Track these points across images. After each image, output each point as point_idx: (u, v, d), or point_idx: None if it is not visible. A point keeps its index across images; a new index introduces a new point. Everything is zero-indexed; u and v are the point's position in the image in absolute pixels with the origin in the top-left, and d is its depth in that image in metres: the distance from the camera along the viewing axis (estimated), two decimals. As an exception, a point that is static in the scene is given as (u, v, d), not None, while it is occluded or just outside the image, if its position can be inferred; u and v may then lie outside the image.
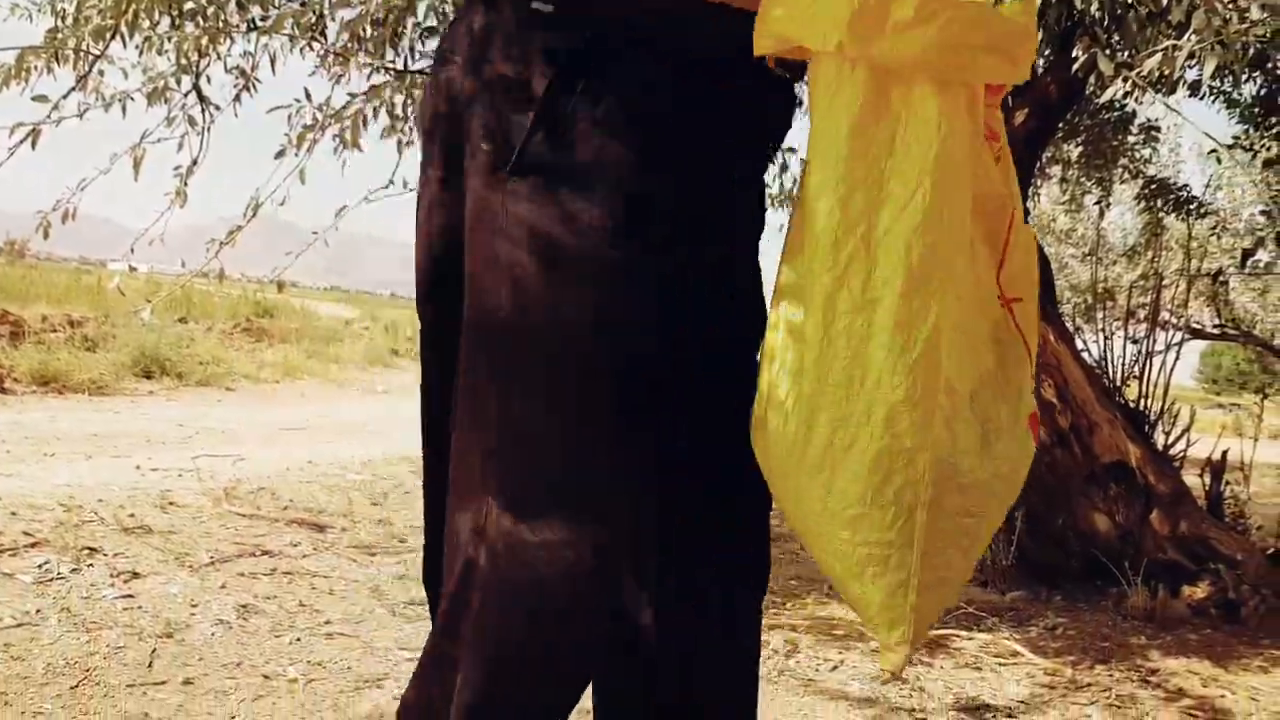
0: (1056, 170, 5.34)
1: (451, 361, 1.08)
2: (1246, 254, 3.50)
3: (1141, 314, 5.19)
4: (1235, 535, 3.73)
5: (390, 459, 5.85)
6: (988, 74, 0.97)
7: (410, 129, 4.17)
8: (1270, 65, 3.95)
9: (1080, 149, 4.99)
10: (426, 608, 3.03)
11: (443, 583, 1.10)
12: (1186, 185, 4.91)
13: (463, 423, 1.06)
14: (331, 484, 4.86)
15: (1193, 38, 2.58)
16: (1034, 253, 1.06)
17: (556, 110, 0.98)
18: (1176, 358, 4.29)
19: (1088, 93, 2.95)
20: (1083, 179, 5.11)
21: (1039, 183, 5.42)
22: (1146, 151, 4.98)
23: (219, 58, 3.87)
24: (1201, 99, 4.13)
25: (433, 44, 3.79)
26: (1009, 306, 1.02)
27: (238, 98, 3.97)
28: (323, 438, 6.60)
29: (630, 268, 0.97)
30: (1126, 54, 2.83)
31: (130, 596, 2.79)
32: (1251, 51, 3.04)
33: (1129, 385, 4.17)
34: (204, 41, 3.69)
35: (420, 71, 3.74)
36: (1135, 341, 4.35)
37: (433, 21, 3.46)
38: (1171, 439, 4.08)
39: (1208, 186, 6.13)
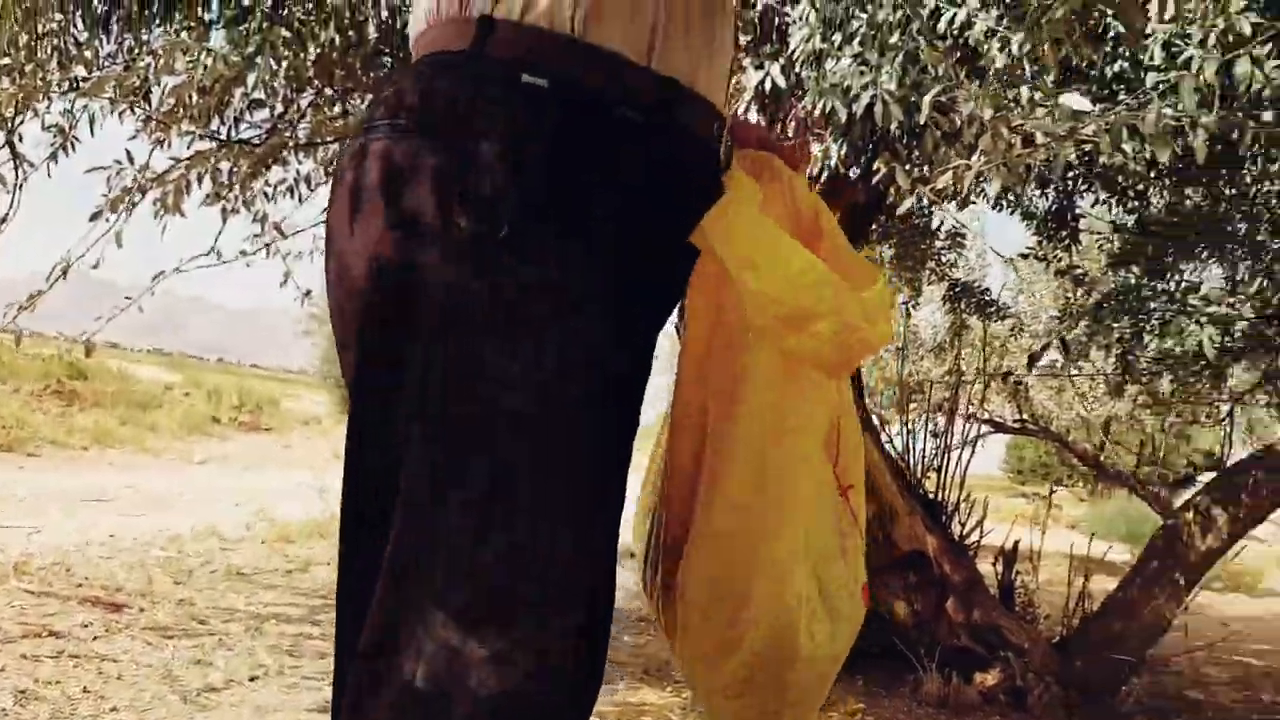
0: (872, 269, 5.62)
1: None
2: (1033, 357, 3.76)
3: (949, 407, 5.46)
4: (1024, 624, 3.93)
5: (199, 534, 5.61)
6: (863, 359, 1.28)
7: (235, 196, 4.11)
8: (1059, 183, 4.29)
9: (893, 251, 5.28)
10: (221, 694, 2.92)
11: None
12: (988, 289, 5.24)
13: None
14: (133, 560, 4.64)
15: (981, 158, 2.79)
16: (860, 437, 1.24)
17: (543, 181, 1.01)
18: (973, 451, 4.54)
19: (888, 203, 3.15)
20: (894, 279, 5.39)
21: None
22: (952, 256, 5.30)
23: (36, 115, 3.75)
24: (999, 210, 4.44)
25: (261, 115, 3.77)
26: (845, 495, 1.22)
27: (54, 156, 3.84)
28: (129, 510, 6.30)
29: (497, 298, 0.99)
30: (924, 169, 3.03)
31: (-108, 681, 2.61)
32: (1035, 172, 3.32)
33: (929, 476, 4.38)
34: (20, 99, 3.58)
35: (245, 141, 3.71)
36: (936, 435, 4.58)
37: (261, 94, 3.44)
38: (967, 529, 4.29)
39: (1004, 288, 6.56)
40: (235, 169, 3.90)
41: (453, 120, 1.02)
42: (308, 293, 4.79)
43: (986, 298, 5.18)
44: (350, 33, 3.28)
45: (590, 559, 1.02)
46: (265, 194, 4.12)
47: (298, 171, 4.04)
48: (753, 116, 3.18)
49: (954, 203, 3.14)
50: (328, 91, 3.72)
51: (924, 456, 4.49)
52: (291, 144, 3.84)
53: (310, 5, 3.33)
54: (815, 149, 3.14)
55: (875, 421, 4.49)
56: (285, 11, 3.35)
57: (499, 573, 0.96)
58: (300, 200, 4.08)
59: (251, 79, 3.41)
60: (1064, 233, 4.49)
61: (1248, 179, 3.47)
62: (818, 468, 1.19)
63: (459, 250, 0.99)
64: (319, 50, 3.38)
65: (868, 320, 1.13)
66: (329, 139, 3.81)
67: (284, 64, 3.37)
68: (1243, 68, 2.32)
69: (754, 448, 1.13)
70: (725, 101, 1.22)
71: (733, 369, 1.15)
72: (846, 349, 1.14)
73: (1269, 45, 2.66)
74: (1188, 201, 3.96)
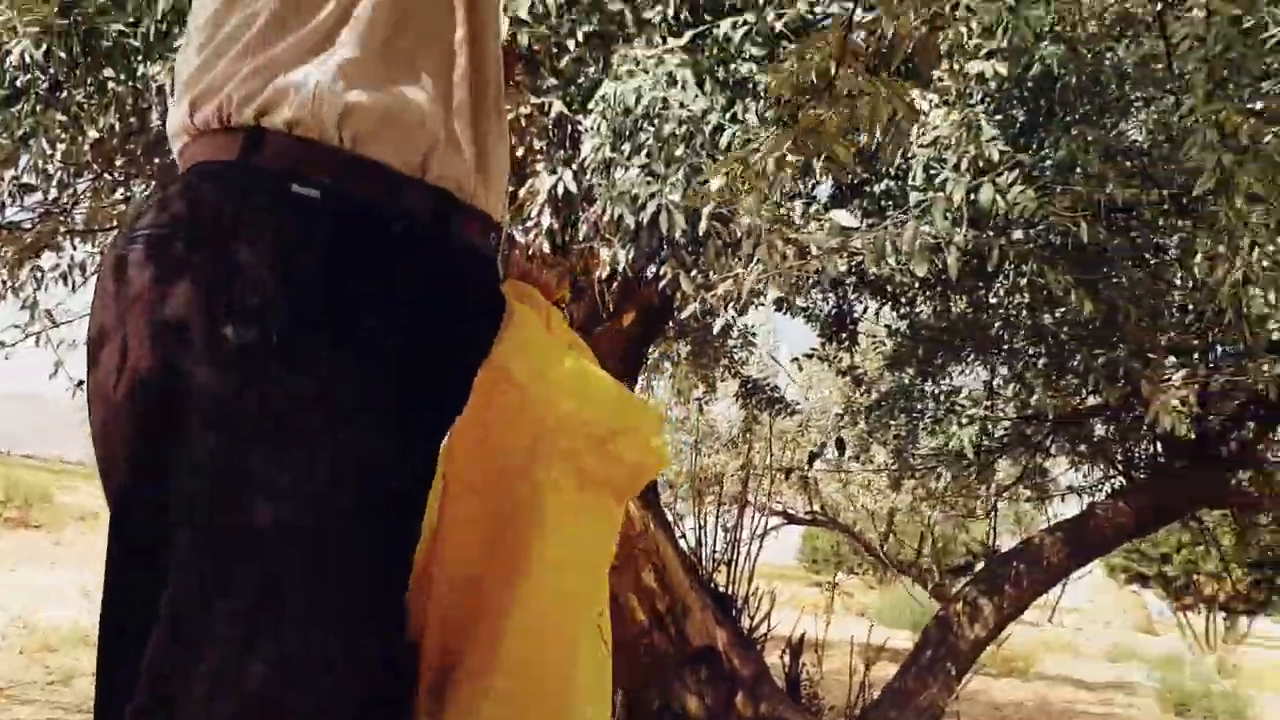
0: (668, 365, 5.77)
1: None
2: (813, 455, 3.93)
3: (740, 500, 5.61)
4: (809, 715, 4.03)
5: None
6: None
7: (3, 283, 3.89)
8: (837, 289, 4.53)
9: (688, 348, 5.44)
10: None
11: None
12: (777, 386, 5.45)
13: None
14: None
15: (759, 266, 2.94)
16: (609, 563, 1.30)
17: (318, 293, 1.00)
18: (761, 544, 4.67)
19: (676, 305, 3.27)
20: (690, 374, 5.54)
21: (652, 376, 5.83)
22: (744, 354, 5.50)
23: None
24: (783, 313, 4.66)
25: (33, 199, 3.60)
26: (598, 621, 1.22)
27: None
28: None
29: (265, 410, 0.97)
30: (707, 275, 3.16)
31: None
32: (811, 281, 3.51)
33: (720, 570, 4.47)
34: None
35: (14, 225, 3.53)
36: (726, 530, 4.70)
37: (31, 179, 3.29)
38: (756, 621, 4.39)
39: (788, 387, 6.85)
40: (2, 254, 3.70)
41: (220, 230, 1.01)
42: (80, 383, 4.56)
43: (776, 395, 5.38)
44: (133, 119, 3.19)
45: (363, 669, 1.01)
46: (36, 280, 3.91)
47: (72, 258, 3.86)
48: (545, 220, 3.26)
49: (736, 307, 3.28)
50: (108, 177, 3.59)
51: (716, 550, 4.59)
52: (65, 230, 3.68)
53: (91, 89, 3.22)
54: (604, 253, 3.23)
55: (669, 517, 4.57)
56: (64, 94, 3.23)
57: (268, 682, 0.94)
58: (74, 288, 3.89)
59: (23, 161, 3.26)
60: (844, 335, 4.73)
61: (1001, 291, 3.76)
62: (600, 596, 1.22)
63: (226, 360, 0.98)
64: (99, 135, 3.27)
65: (658, 441, 1.18)
66: (107, 226, 3.66)
67: (60, 148, 3.25)
68: (986, 194, 2.53)
69: (550, 580, 1.13)
70: (503, 213, 1.25)
71: (516, 495, 1.15)
72: (641, 469, 1.18)
73: (1015, 172, 2.92)
74: (953, 309, 4.24)
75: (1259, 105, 2.31)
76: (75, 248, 3.84)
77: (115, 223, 3.68)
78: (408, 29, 1.09)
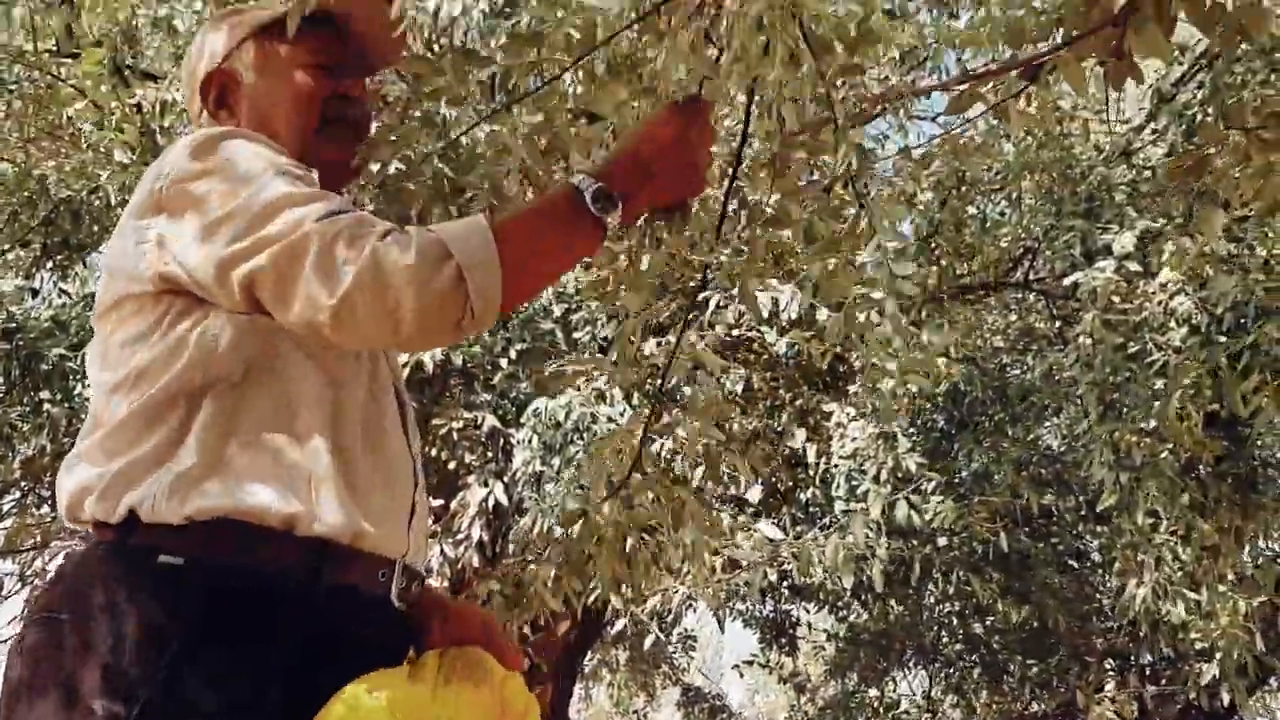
0: (607, 673, 5.62)
1: None
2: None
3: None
4: None
5: None
6: None
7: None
8: (774, 594, 4.52)
9: (627, 654, 5.32)
10: None
11: None
12: (720, 694, 5.31)
13: None
14: None
15: (689, 578, 2.94)
16: None
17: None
18: None
19: (604, 621, 3.25)
20: (629, 682, 5.40)
21: (591, 684, 5.66)
22: (684, 661, 5.39)
23: None
24: (720, 620, 4.60)
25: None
26: None
27: None
28: None
29: None
30: (639, 589, 3.16)
31: None
32: (742, 593, 3.51)
33: None
34: None
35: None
36: None
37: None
38: None
39: (722, 693, 6.65)
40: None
41: (98, 610, 1.06)
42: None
43: (719, 704, 5.23)
44: (65, 439, 3.22)
45: None
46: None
47: (-14, 575, 3.78)
48: (475, 532, 3.26)
49: (667, 621, 3.26)
50: (34, 494, 3.58)
51: None
52: (-14, 549, 3.62)
53: (27, 409, 3.27)
54: (534, 567, 3.22)
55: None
56: (-1, 412, 3.28)
57: None
58: (-10, 604, 3.79)
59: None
60: (783, 640, 4.67)
61: (932, 598, 3.77)
62: None
63: None
64: (30, 453, 3.30)
65: None
66: (29, 544, 3.61)
67: (-13, 467, 3.25)
68: (901, 510, 2.60)
69: None
70: (402, 546, 1.24)
71: None
72: None
73: (933, 483, 3.01)
74: (890, 613, 4.23)
75: (1152, 424, 2.43)
76: (-6, 565, 3.77)
77: (39, 539, 3.63)
78: (249, 420, 1.14)
